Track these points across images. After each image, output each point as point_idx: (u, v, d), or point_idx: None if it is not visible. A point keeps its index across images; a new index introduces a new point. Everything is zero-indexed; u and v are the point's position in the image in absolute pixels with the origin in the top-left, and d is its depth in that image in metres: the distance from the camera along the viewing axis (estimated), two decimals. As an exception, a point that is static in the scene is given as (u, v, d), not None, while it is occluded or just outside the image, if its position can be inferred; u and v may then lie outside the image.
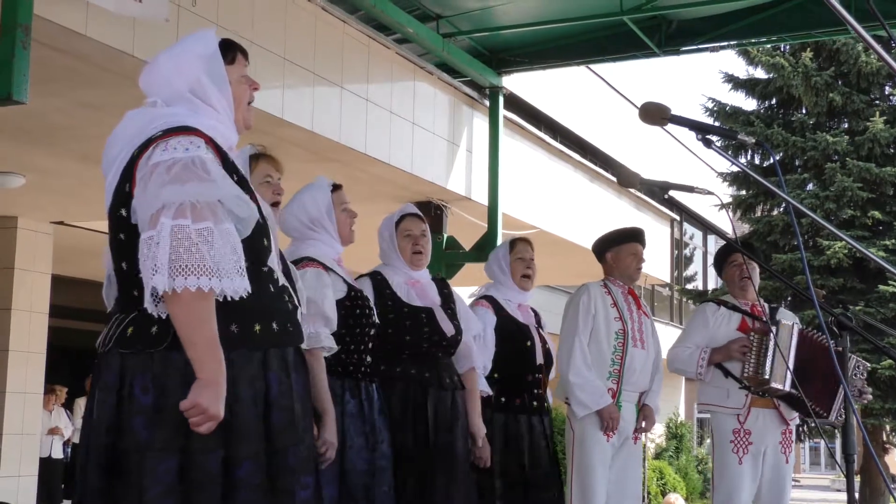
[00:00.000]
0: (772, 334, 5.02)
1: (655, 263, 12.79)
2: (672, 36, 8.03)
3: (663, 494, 16.18)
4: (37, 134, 6.92)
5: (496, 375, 4.64)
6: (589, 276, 5.51)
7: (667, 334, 13.14)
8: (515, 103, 12.30)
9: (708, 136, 2.62)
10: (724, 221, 20.51)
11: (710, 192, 2.94)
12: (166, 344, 2.42)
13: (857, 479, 13.68)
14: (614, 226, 5.70)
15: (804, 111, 15.23)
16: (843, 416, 3.44)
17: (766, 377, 5.07)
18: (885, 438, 15.35)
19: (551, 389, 5.07)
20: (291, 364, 2.60)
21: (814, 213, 4.64)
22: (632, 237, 5.34)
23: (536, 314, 5.04)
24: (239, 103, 2.71)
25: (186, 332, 2.37)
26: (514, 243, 5.03)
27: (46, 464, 11.32)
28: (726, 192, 16.12)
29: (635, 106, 18.37)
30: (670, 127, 2.64)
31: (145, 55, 5.15)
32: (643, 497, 5.58)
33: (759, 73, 15.57)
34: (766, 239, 14.75)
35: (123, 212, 2.50)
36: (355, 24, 7.18)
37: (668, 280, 15.65)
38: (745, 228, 15.60)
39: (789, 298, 13.85)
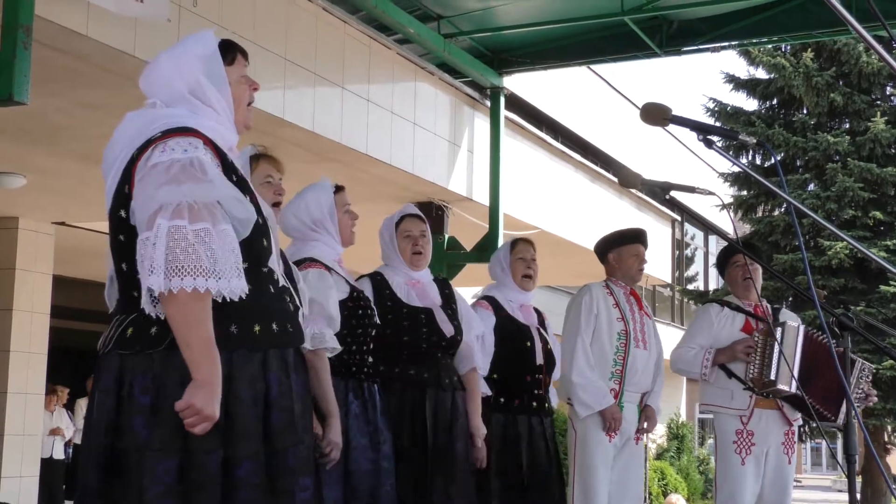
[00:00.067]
0: (777, 335, 5.01)
1: (656, 264, 12.78)
2: (673, 36, 8.03)
3: (665, 495, 16.17)
4: (38, 134, 6.92)
5: (495, 376, 4.62)
6: (590, 277, 5.51)
7: (668, 335, 13.12)
8: (516, 104, 12.30)
9: (709, 137, 2.62)
10: (725, 222, 20.50)
11: (711, 193, 2.93)
12: (166, 344, 2.41)
13: (859, 479, 13.66)
14: (615, 226, 5.69)
15: (805, 111, 15.23)
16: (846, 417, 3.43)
17: (772, 378, 5.04)
18: (886, 439, 15.36)
19: (554, 390, 5.07)
20: (291, 365, 2.60)
21: (815, 213, 4.64)
22: (634, 238, 5.34)
23: (540, 315, 5.02)
24: (239, 104, 2.71)
25: (182, 333, 2.37)
26: (515, 243, 5.02)
27: (48, 464, 11.31)
28: (727, 193, 16.13)
29: (636, 106, 18.37)
30: (671, 127, 2.63)
31: (146, 56, 5.14)
32: (645, 497, 5.57)
33: (760, 74, 15.59)
34: (767, 239, 14.75)
35: (123, 213, 2.50)
36: (356, 24, 7.18)
37: (669, 280, 15.64)
38: (747, 229, 15.59)
39: (790, 299, 13.85)
